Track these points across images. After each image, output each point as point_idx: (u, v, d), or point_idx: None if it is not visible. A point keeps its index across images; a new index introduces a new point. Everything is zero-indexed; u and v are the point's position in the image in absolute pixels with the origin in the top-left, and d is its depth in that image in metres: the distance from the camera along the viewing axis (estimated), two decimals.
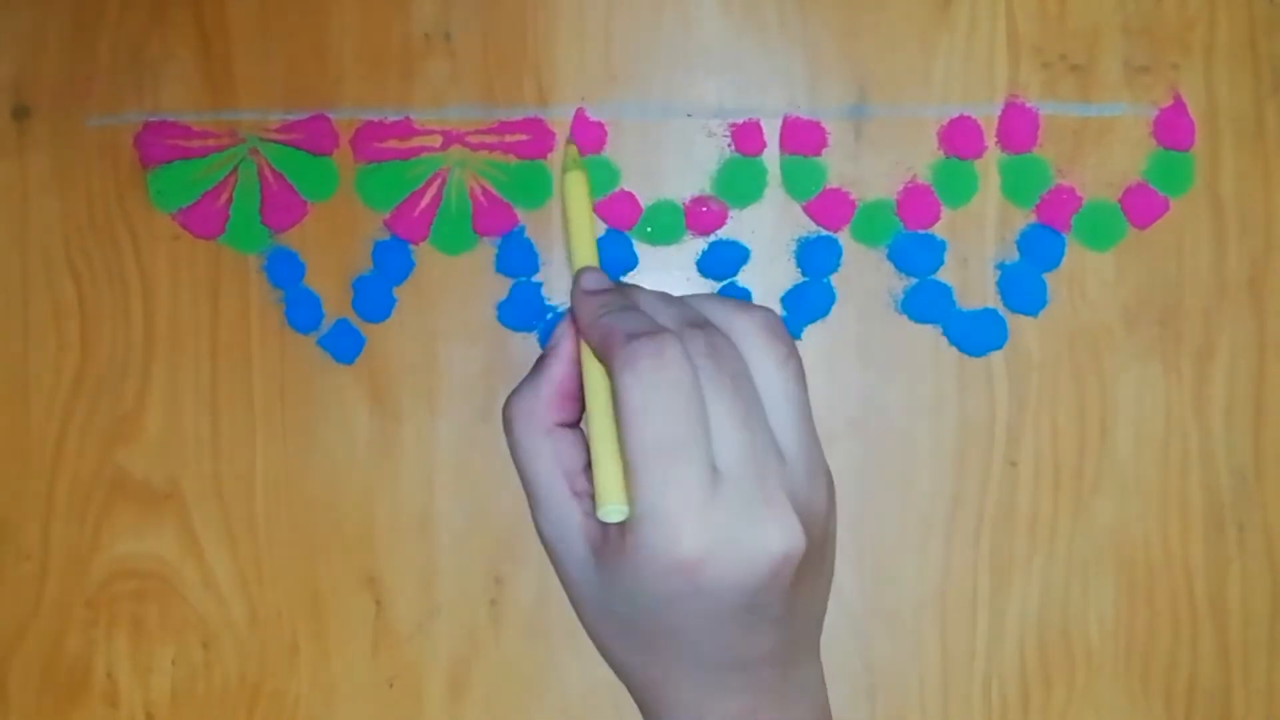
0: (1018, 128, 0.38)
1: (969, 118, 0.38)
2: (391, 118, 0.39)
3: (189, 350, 0.39)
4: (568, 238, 0.34)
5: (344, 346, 0.39)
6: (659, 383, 0.27)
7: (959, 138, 0.38)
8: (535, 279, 0.39)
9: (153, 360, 0.39)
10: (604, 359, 0.29)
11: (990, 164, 0.38)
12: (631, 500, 0.27)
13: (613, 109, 0.39)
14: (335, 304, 0.39)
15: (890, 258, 0.39)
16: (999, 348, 0.38)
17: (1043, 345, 0.38)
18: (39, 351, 0.39)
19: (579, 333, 0.30)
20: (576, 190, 0.33)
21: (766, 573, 0.27)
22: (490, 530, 0.39)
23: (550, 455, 0.30)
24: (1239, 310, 0.39)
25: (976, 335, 0.38)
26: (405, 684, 0.39)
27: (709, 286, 0.39)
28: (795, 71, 0.39)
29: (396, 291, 0.39)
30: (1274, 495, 0.38)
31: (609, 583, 0.29)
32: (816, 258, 0.39)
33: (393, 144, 0.39)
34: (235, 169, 0.39)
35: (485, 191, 0.39)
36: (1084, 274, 0.38)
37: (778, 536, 0.27)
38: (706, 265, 0.39)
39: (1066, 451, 0.39)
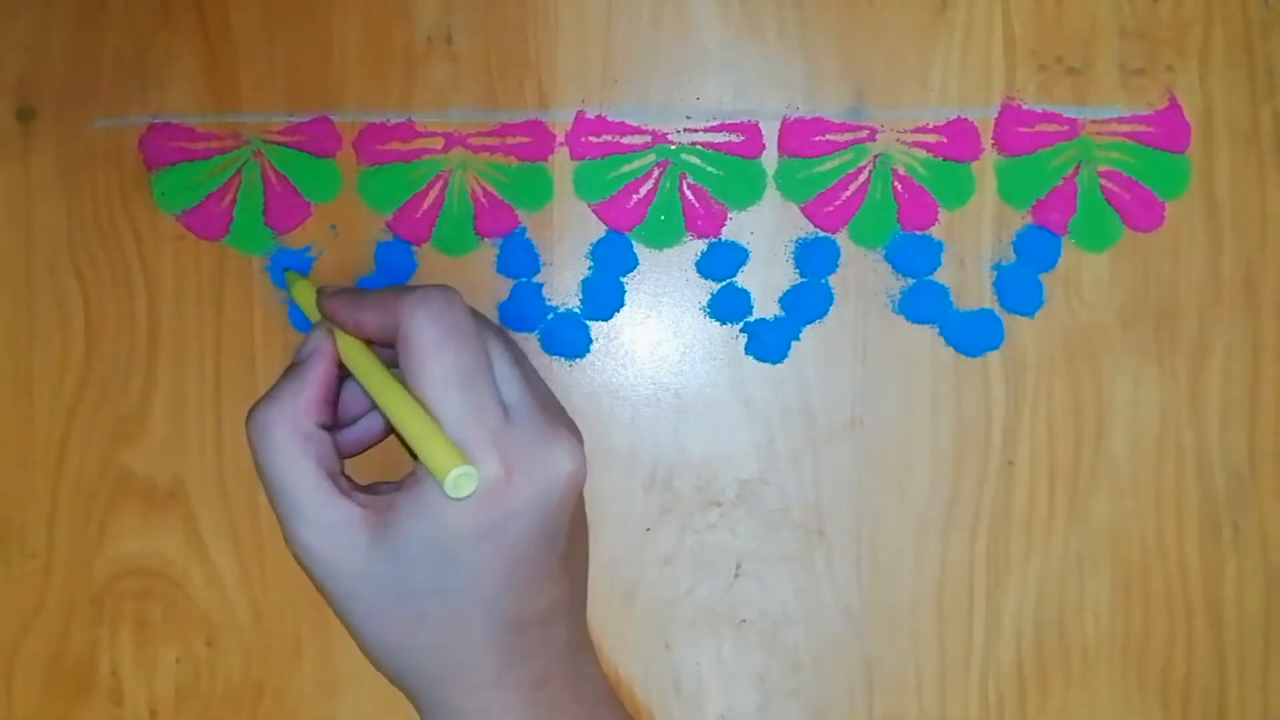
0: (1014, 130, 0.39)
1: (966, 120, 0.39)
2: (394, 120, 0.39)
3: (193, 350, 0.39)
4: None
5: None
6: (452, 320, 0.30)
7: (956, 140, 0.39)
8: (536, 280, 0.39)
9: (157, 360, 0.39)
10: (382, 321, 0.30)
11: (986, 166, 0.39)
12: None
13: (612, 111, 0.39)
14: None
15: (888, 259, 0.39)
16: (995, 348, 0.39)
17: (1039, 346, 0.39)
18: (44, 352, 0.40)
19: (344, 329, 0.32)
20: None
21: (562, 488, 0.30)
22: None
23: (315, 460, 0.31)
24: (1234, 311, 0.39)
25: (973, 335, 0.39)
26: None
27: (708, 287, 0.39)
28: (793, 74, 0.39)
29: None
30: (1269, 495, 0.39)
31: (398, 558, 0.30)
32: (815, 259, 0.39)
33: (395, 146, 0.39)
34: (239, 171, 0.39)
35: (486, 193, 0.39)
36: (1080, 275, 0.39)
37: (565, 457, 0.30)
38: (706, 266, 0.39)
39: (1063, 451, 0.39)
